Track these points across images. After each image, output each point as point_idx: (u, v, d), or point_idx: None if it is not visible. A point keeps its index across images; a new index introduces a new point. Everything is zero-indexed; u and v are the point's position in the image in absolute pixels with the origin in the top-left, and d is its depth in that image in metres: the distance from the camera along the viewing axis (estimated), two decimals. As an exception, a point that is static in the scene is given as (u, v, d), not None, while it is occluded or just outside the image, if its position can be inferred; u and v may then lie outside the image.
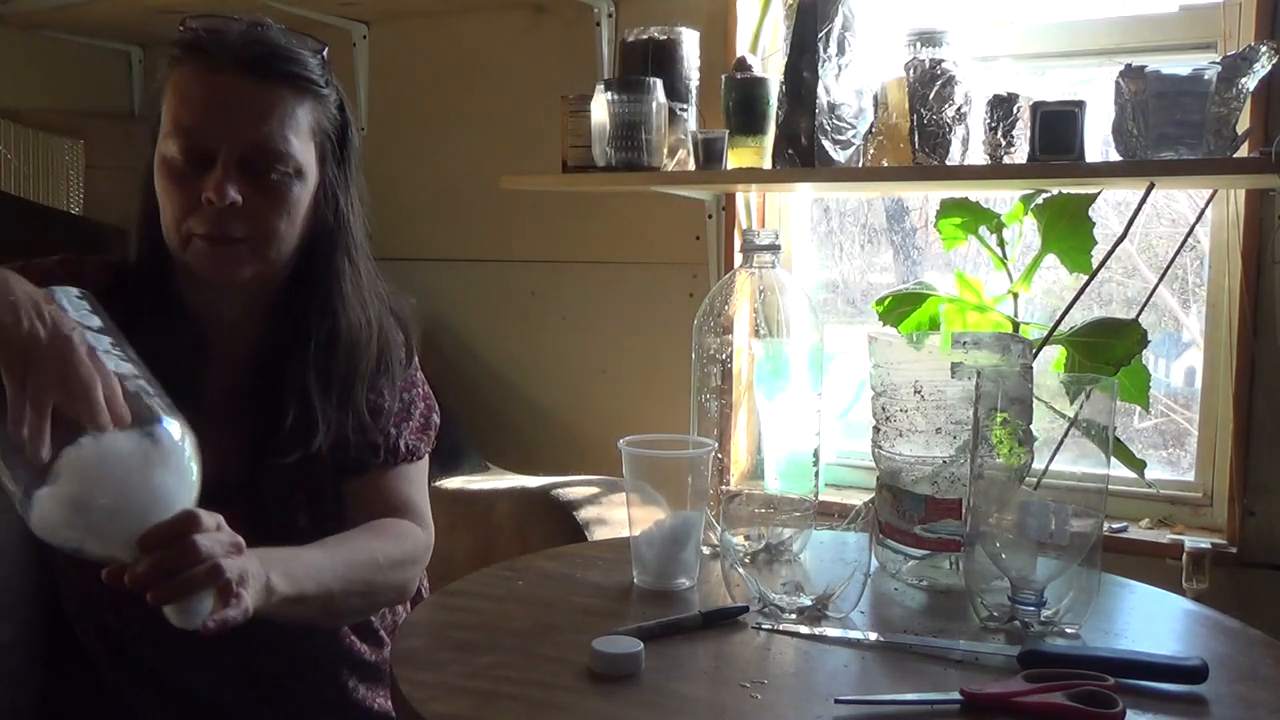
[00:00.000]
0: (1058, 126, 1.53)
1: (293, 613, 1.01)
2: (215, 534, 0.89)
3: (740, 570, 1.08)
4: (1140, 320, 1.44)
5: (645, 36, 1.86)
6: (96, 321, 0.95)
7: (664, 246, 2.18)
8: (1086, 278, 1.49)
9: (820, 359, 1.25)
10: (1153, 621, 1.11)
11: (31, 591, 1.18)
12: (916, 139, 1.67)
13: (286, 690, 1.20)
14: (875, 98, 1.75)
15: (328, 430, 1.16)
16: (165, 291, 1.14)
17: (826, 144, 1.70)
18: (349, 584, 1.08)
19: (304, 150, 1.10)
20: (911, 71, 1.66)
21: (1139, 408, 1.55)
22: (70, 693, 1.20)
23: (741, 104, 1.80)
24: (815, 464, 1.26)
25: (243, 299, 1.16)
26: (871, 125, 1.76)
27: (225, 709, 1.19)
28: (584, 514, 1.79)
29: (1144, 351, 1.41)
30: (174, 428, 0.90)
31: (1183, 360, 1.93)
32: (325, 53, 1.14)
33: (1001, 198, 1.82)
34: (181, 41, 1.09)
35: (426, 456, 1.28)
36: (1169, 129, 1.46)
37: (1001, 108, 1.61)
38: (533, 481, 1.94)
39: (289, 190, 1.09)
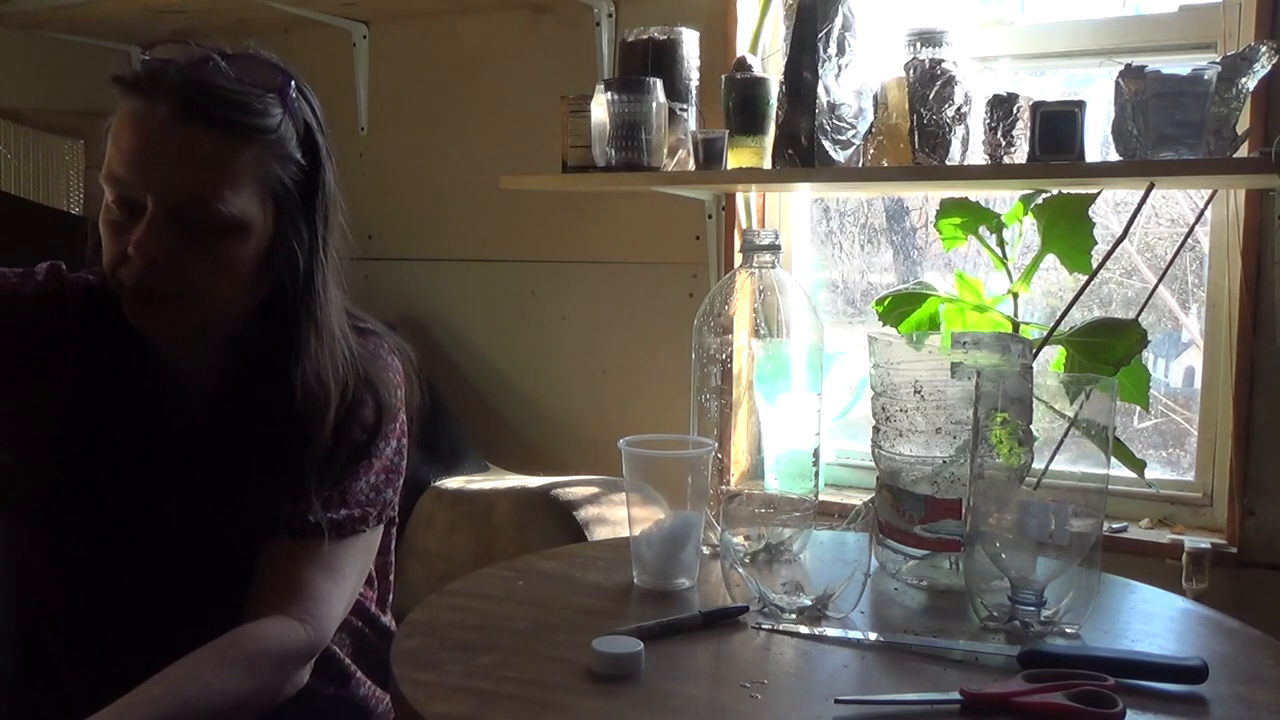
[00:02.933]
0: (1058, 126, 1.53)
1: None
2: None
3: (740, 570, 1.08)
4: (1140, 320, 1.44)
5: (645, 36, 1.86)
6: None
7: (664, 246, 2.18)
8: (1086, 278, 1.49)
9: (820, 359, 1.25)
10: (1153, 621, 1.11)
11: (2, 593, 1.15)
12: (916, 139, 1.67)
13: None
14: (875, 98, 1.75)
15: (255, 512, 1.04)
16: (120, 335, 1.05)
17: (826, 144, 1.70)
18: None
19: (245, 203, 0.99)
20: (911, 71, 1.66)
21: (1139, 408, 1.55)
22: (32, 694, 1.15)
23: (741, 104, 1.80)
24: (815, 464, 1.26)
25: (194, 354, 1.07)
26: (871, 125, 1.75)
27: None
28: (584, 514, 1.79)
29: (1144, 351, 1.41)
30: None
31: (1182, 360, 1.93)
32: (291, 86, 1.02)
33: (1001, 198, 1.82)
34: (121, 78, 0.99)
35: (368, 532, 1.10)
36: (1169, 129, 1.46)
37: (1001, 108, 1.61)
38: (533, 481, 1.94)
39: (223, 246, 0.99)
